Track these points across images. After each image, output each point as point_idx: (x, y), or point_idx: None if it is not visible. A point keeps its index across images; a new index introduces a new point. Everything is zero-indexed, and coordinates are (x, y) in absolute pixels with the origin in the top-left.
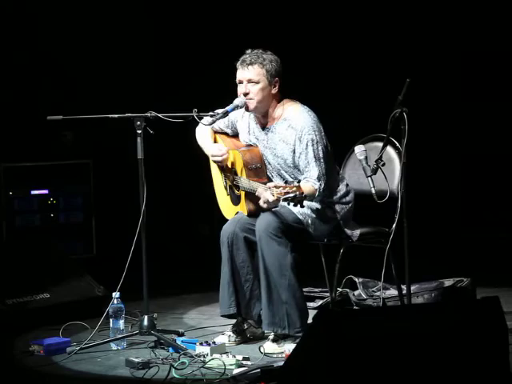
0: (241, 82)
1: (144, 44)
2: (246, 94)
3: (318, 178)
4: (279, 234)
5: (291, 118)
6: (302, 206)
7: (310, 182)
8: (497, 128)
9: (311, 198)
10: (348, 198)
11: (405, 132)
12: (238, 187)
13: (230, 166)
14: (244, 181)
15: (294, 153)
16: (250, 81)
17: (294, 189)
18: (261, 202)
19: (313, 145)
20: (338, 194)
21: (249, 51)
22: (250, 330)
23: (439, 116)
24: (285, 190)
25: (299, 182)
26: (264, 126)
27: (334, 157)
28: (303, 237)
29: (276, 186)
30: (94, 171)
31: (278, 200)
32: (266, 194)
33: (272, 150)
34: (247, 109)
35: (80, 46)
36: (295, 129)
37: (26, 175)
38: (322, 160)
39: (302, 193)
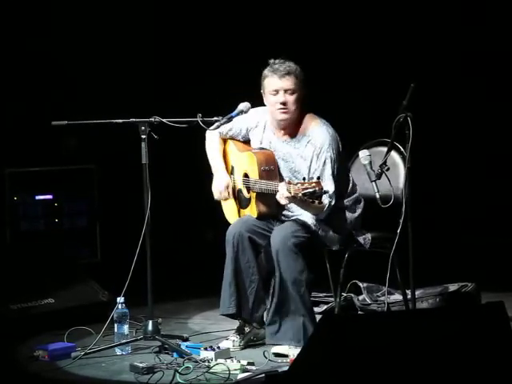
0: (276, 92)
1: (146, 49)
2: (283, 104)
3: (330, 196)
4: (295, 247)
5: (311, 134)
6: (320, 203)
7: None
8: (502, 132)
9: (319, 211)
10: (359, 205)
11: (409, 137)
12: (247, 189)
13: (241, 169)
14: (256, 181)
15: (309, 169)
16: (286, 90)
17: (314, 184)
18: (278, 196)
19: (330, 162)
20: (351, 201)
21: (276, 61)
22: (253, 332)
23: (443, 121)
24: (303, 187)
25: (318, 178)
26: (282, 137)
27: (348, 166)
28: (318, 247)
29: (294, 183)
30: (98, 176)
31: (294, 197)
32: (283, 189)
33: (289, 164)
34: (278, 116)
35: (86, 53)
36: (314, 145)
37: (30, 180)
38: (335, 178)
39: (322, 188)
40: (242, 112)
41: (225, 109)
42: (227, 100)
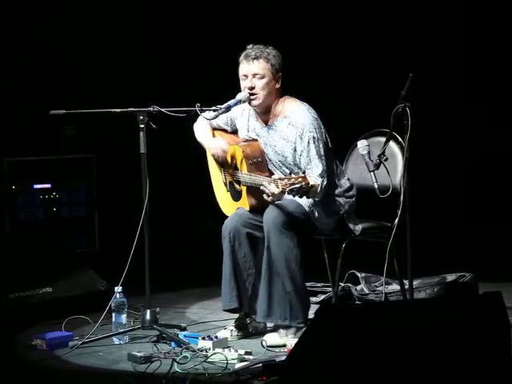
0: (245, 77)
1: (146, 40)
2: (251, 89)
3: (321, 175)
4: (287, 226)
5: (292, 115)
6: (308, 197)
7: (313, 177)
8: (499, 123)
9: (313, 194)
10: (351, 192)
11: (408, 127)
12: (238, 182)
13: (229, 160)
14: (245, 175)
15: (295, 151)
16: (255, 75)
17: (300, 179)
18: (265, 196)
19: (314, 142)
20: (342, 188)
21: (250, 46)
22: (253, 325)
23: (442, 111)
24: (290, 182)
25: (304, 172)
26: (264, 123)
27: (334, 152)
28: (309, 230)
29: (281, 178)
30: (97, 166)
31: (283, 192)
32: (270, 186)
33: (273, 148)
34: (250, 103)
35: (83, 42)
36: (296, 126)
37: (29, 169)
38: (323, 157)
39: (308, 183)
40: (240, 101)
41: (223, 99)
42: (226, 90)
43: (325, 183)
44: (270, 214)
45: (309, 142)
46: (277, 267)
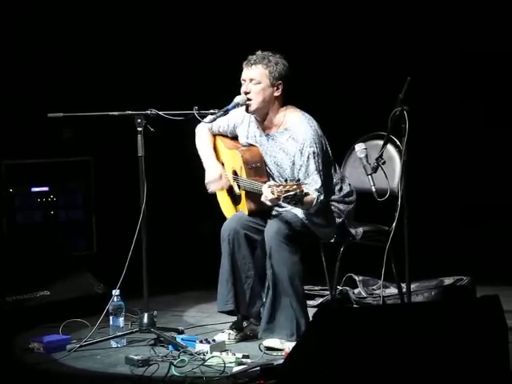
0: (244, 81)
1: (146, 44)
2: (246, 93)
3: (318, 191)
4: (289, 241)
5: (292, 128)
6: (303, 207)
7: (310, 190)
8: (499, 123)
9: (308, 206)
10: (352, 198)
11: (405, 130)
12: (238, 187)
13: (230, 166)
14: (244, 180)
15: (294, 164)
16: (251, 80)
17: (295, 187)
18: (263, 198)
19: (314, 157)
20: (342, 193)
21: (259, 52)
22: (250, 328)
23: (440, 114)
24: (285, 189)
25: (299, 180)
26: (265, 131)
27: (334, 159)
28: (311, 240)
29: (276, 185)
30: (94, 168)
31: (277, 198)
32: (266, 191)
33: (272, 158)
34: (247, 109)
35: (82, 43)
36: (296, 140)
37: (26, 172)
38: (321, 173)
39: (302, 191)
40: (238, 105)
41: (222, 103)
42: (225, 93)
43: (321, 198)
44: (271, 230)
45: (308, 158)
46: (281, 284)
